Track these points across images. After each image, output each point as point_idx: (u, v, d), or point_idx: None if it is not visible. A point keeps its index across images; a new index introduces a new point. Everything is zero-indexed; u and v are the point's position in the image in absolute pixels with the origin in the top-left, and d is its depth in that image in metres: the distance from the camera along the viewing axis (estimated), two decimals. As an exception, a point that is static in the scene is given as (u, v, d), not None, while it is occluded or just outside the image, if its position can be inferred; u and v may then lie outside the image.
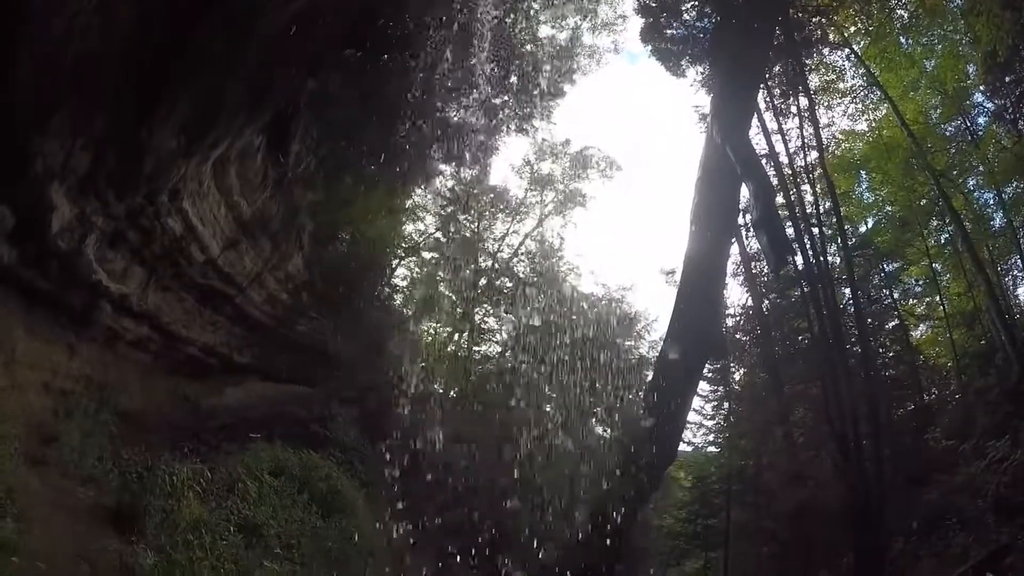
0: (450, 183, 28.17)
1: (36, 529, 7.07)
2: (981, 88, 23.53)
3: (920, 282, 29.78)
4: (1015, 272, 26.48)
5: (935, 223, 27.76)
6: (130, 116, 8.81)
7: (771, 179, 19.92)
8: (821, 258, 21.90)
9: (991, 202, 26.22)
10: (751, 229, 23.95)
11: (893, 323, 27.02)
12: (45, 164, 8.05)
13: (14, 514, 6.91)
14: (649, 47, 22.58)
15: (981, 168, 25.23)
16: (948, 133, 26.45)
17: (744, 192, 19.79)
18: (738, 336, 27.69)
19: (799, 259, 21.23)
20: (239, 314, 16.45)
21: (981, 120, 25.42)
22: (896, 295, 28.29)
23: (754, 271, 27.60)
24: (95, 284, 10.52)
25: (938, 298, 28.50)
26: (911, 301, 29.94)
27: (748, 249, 27.22)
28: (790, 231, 19.92)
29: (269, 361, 18.26)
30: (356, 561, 11.77)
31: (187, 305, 14.37)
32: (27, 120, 7.65)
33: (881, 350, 25.25)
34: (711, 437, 29.44)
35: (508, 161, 43.38)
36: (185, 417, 14.69)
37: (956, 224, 23.76)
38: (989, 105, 24.13)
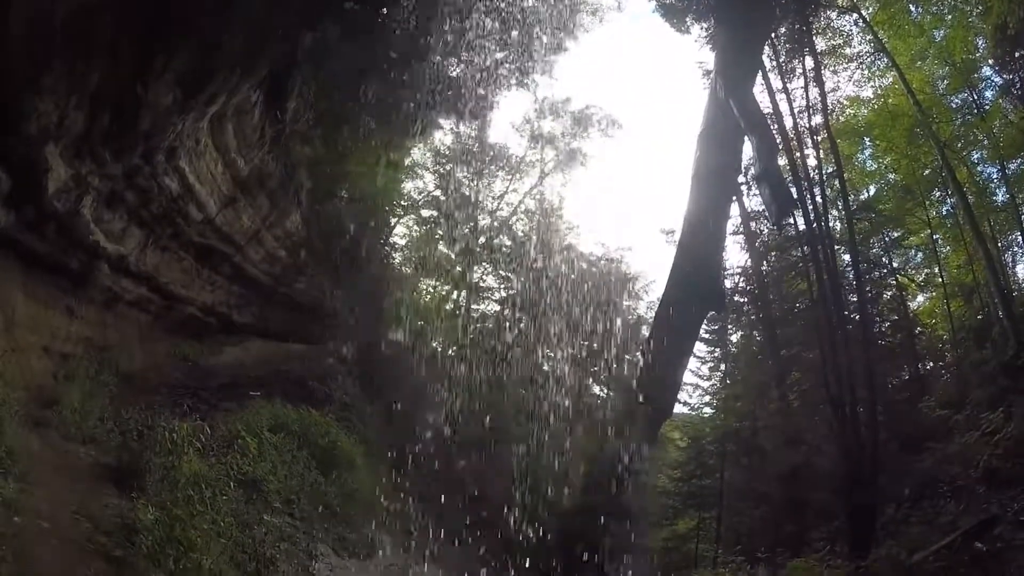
0: (449, 139, 27.89)
1: (38, 489, 7.08)
2: (990, 62, 23.10)
3: (919, 252, 29.77)
4: (1015, 248, 26.62)
5: (937, 194, 27.57)
6: (125, 71, 8.59)
7: (775, 135, 19.63)
8: (822, 221, 21.73)
9: (994, 176, 26.17)
10: (752, 186, 23.78)
11: (891, 291, 27.04)
12: (39, 124, 7.89)
13: (16, 475, 6.91)
14: (654, 3, 22.06)
15: (986, 141, 24.92)
16: (954, 105, 25.95)
17: (747, 150, 19.55)
18: (736, 298, 27.67)
19: (800, 220, 21.08)
20: (237, 273, 16.43)
21: (988, 94, 25.02)
22: (895, 264, 28.28)
23: (754, 231, 27.53)
24: (93, 245, 10.44)
25: (937, 269, 28.47)
26: (910, 271, 29.90)
27: (748, 209, 27.21)
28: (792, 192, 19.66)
29: (268, 320, 18.30)
30: (356, 516, 11.92)
31: (185, 265, 14.33)
32: (20, 78, 7.46)
33: (879, 318, 25.28)
34: (707, 398, 29.93)
35: (508, 119, 42.89)
36: (185, 376, 14.75)
37: (959, 196, 23.50)
38: (997, 79, 23.77)
